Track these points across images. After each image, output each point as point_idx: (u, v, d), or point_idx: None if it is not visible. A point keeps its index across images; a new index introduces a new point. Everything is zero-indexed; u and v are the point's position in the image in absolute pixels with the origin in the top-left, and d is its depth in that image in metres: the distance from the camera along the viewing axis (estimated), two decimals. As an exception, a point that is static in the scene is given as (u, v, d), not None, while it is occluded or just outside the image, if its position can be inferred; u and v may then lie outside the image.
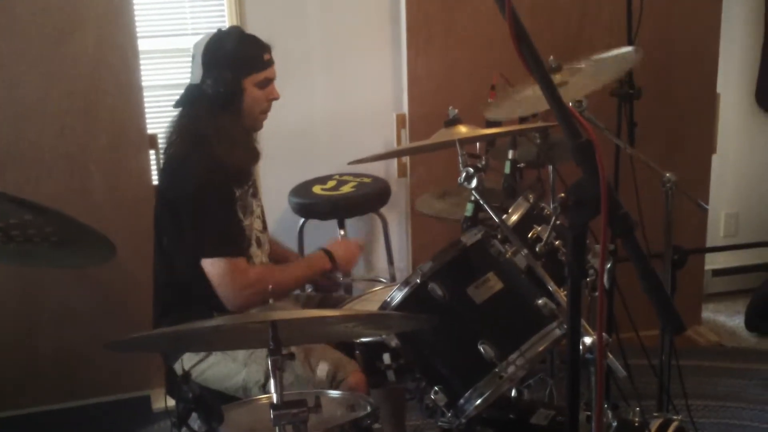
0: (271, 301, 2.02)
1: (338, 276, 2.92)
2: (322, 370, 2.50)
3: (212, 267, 2.59)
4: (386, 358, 2.41)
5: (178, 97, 2.75)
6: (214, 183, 2.60)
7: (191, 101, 2.70)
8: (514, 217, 2.29)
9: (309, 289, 3.10)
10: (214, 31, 2.74)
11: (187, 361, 2.62)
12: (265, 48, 2.70)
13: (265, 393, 2.49)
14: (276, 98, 2.74)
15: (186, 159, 2.64)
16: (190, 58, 2.72)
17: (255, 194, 2.81)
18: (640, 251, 1.44)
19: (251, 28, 2.82)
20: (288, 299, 2.88)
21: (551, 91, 1.43)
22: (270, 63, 2.71)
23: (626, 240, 1.43)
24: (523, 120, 2.95)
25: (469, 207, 2.37)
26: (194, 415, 2.02)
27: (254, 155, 2.80)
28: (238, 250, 2.64)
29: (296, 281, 2.78)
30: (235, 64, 2.64)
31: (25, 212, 1.52)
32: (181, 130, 2.68)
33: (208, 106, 2.65)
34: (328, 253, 2.81)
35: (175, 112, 2.75)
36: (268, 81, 2.71)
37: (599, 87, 2.74)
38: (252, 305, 2.60)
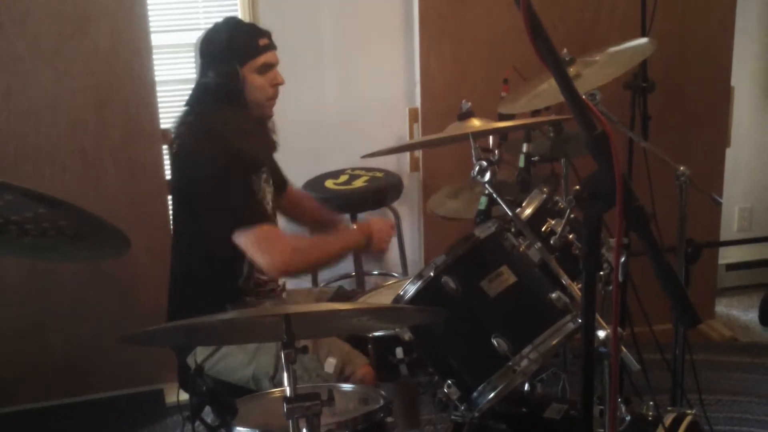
0: (284, 295, 2.02)
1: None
2: (330, 364, 2.50)
3: (245, 238, 2.54)
4: (399, 352, 2.41)
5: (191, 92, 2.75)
6: (230, 168, 2.58)
7: (197, 97, 2.69)
8: (528, 211, 2.28)
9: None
10: (212, 24, 2.73)
11: (200, 354, 2.62)
12: (260, 33, 2.67)
13: (275, 384, 2.50)
14: (280, 83, 2.71)
15: (199, 153, 2.63)
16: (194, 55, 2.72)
17: (268, 180, 2.81)
18: (655, 243, 1.44)
19: (264, 23, 2.81)
20: (300, 293, 2.88)
21: (566, 83, 1.42)
22: (267, 48, 2.67)
23: (641, 232, 1.43)
24: (535, 113, 2.94)
25: (483, 200, 2.37)
26: (207, 408, 2.03)
27: (269, 144, 2.79)
28: (264, 217, 2.62)
29: (331, 253, 2.71)
30: (230, 54, 2.62)
31: (39, 206, 1.52)
32: (189, 126, 2.67)
33: (214, 100, 2.64)
34: (364, 230, 2.76)
35: (183, 110, 2.74)
36: (268, 66, 2.67)
37: (615, 77, 2.73)
38: (293, 270, 2.60)
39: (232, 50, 2.63)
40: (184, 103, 2.74)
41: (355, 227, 2.80)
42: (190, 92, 2.74)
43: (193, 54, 2.73)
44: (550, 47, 1.42)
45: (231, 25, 2.70)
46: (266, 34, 2.69)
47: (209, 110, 2.64)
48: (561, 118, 2.82)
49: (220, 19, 2.74)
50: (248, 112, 2.69)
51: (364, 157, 2.77)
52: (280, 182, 2.93)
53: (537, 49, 1.41)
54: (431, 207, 3.41)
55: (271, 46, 2.69)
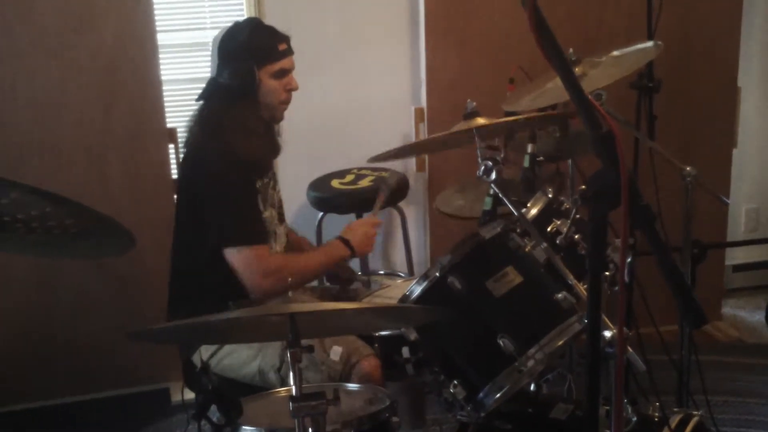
0: (290, 293, 2.02)
1: (353, 273, 2.94)
2: (336, 352, 2.50)
3: (234, 256, 2.59)
4: (405, 351, 2.41)
5: (198, 91, 2.76)
6: (235, 173, 2.60)
7: (210, 94, 2.71)
8: (534, 211, 2.28)
9: (326, 281, 3.09)
10: (232, 22, 2.74)
11: (204, 351, 2.62)
12: (280, 38, 2.69)
13: (281, 377, 2.50)
14: (294, 89, 2.73)
15: (205, 150, 2.65)
16: (211, 52, 2.73)
17: (274, 186, 2.81)
18: (661, 242, 1.43)
19: (269, 22, 2.81)
20: (305, 291, 2.88)
21: (572, 82, 1.42)
22: (286, 53, 2.69)
23: (647, 231, 1.42)
24: (541, 112, 2.93)
25: (488, 200, 2.37)
26: (213, 407, 2.03)
27: (274, 148, 2.80)
28: (259, 237, 2.64)
29: (315, 270, 2.77)
30: (248, 55, 2.64)
31: (45, 204, 1.52)
32: (200, 122, 2.69)
33: (226, 98, 2.65)
34: (344, 240, 2.79)
35: (197, 106, 2.76)
36: (284, 71, 2.69)
37: (620, 77, 2.72)
38: (274, 293, 2.60)
39: (250, 51, 2.64)
40: (192, 101, 2.77)
41: (336, 240, 2.80)
42: (199, 90, 2.75)
43: (199, 53, 2.74)
44: (555, 46, 1.41)
45: (252, 26, 2.71)
46: (286, 39, 2.70)
47: (220, 107, 2.66)
48: (566, 114, 2.80)
49: (240, 19, 2.75)
50: (259, 114, 2.70)
51: (370, 160, 2.78)
52: None
53: (542, 48, 1.41)
54: (438, 205, 3.41)
55: (289, 52, 2.71)
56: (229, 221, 2.61)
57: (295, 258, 2.77)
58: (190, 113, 2.76)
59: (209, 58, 2.76)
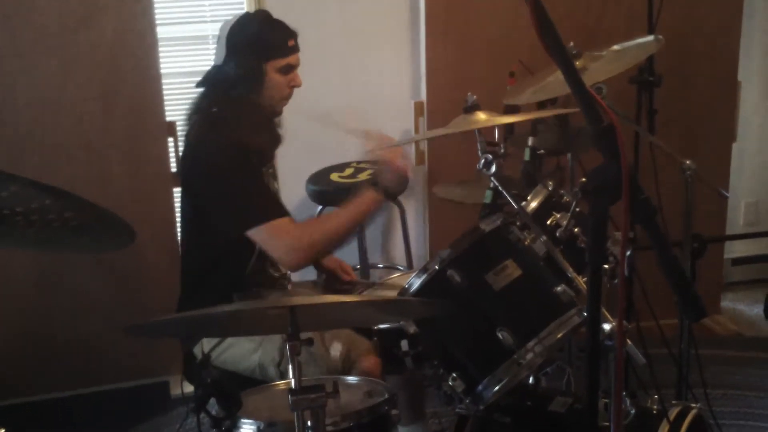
0: (291, 284, 2.02)
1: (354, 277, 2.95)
2: (336, 349, 2.50)
3: (258, 235, 2.55)
4: (404, 344, 2.41)
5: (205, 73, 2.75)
6: (236, 164, 2.58)
7: (213, 82, 2.70)
8: (534, 204, 2.28)
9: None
10: (243, 13, 2.74)
11: (207, 344, 2.62)
12: (289, 34, 2.69)
13: (281, 371, 2.51)
14: (298, 85, 2.73)
15: (205, 141, 2.63)
16: (216, 40, 2.73)
17: (275, 177, 2.81)
18: (661, 236, 1.43)
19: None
20: (306, 285, 2.88)
21: (573, 75, 1.42)
22: (294, 50, 2.69)
23: (647, 225, 1.43)
24: (541, 105, 2.93)
25: (488, 194, 2.37)
26: (212, 400, 2.03)
27: (276, 139, 2.80)
28: (278, 211, 2.61)
29: (345, 226, 2.63)
30: (257, 48, 2.64)
31: (45, 197, 1.52)
32: (200, 111, 2.68)
33: (229, 88, 2.65)
34: (374, 184, 2.64)
35: (196, 94, 2.75)
36: (291, 67, 2.69)
37: (621, 71, 2.72)
38: (309, 261, 2.61)
39: (260, 45, 2.64)
40: (191, 94, 2.75)
41: (365, 188, 2.63)
42: (203, 74, 2.74)
43: (199, 46, 2.73)
44: (557, 40, 1.41)
45: (262, 19, 2.71)
46: (294, 35, 2.70)
47: (222, 96, 2.65)
48: (567, 111, 2.80)
49: (250, 10, 2.74)
50: (260, 105, 2.69)
51: (369, 151, 2.77)
52: None
53: (544, 41, 1.41)
54: (437, 192, 3.41)
55: (296, 48, 2.71)
56: (242, 205, 2.58)
57: (321, 222, 2.67)
58: (190, 102, 2.74)
59: (209, 52, 2.75)
